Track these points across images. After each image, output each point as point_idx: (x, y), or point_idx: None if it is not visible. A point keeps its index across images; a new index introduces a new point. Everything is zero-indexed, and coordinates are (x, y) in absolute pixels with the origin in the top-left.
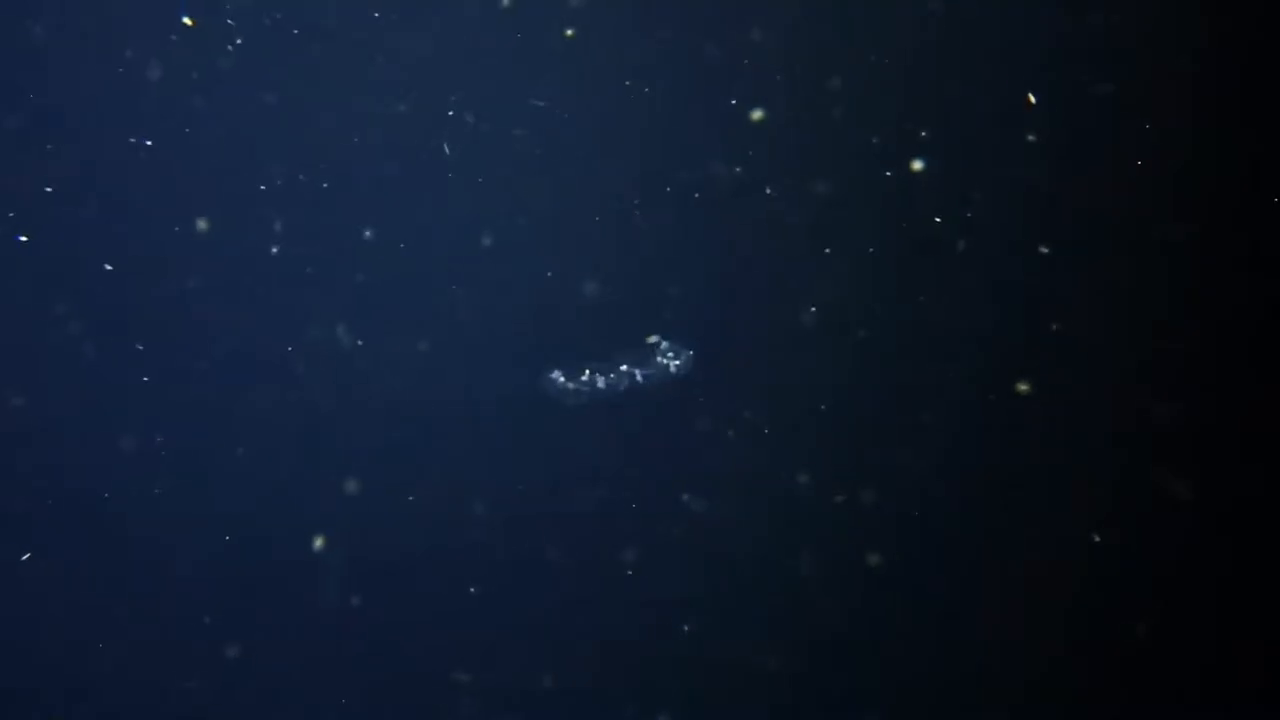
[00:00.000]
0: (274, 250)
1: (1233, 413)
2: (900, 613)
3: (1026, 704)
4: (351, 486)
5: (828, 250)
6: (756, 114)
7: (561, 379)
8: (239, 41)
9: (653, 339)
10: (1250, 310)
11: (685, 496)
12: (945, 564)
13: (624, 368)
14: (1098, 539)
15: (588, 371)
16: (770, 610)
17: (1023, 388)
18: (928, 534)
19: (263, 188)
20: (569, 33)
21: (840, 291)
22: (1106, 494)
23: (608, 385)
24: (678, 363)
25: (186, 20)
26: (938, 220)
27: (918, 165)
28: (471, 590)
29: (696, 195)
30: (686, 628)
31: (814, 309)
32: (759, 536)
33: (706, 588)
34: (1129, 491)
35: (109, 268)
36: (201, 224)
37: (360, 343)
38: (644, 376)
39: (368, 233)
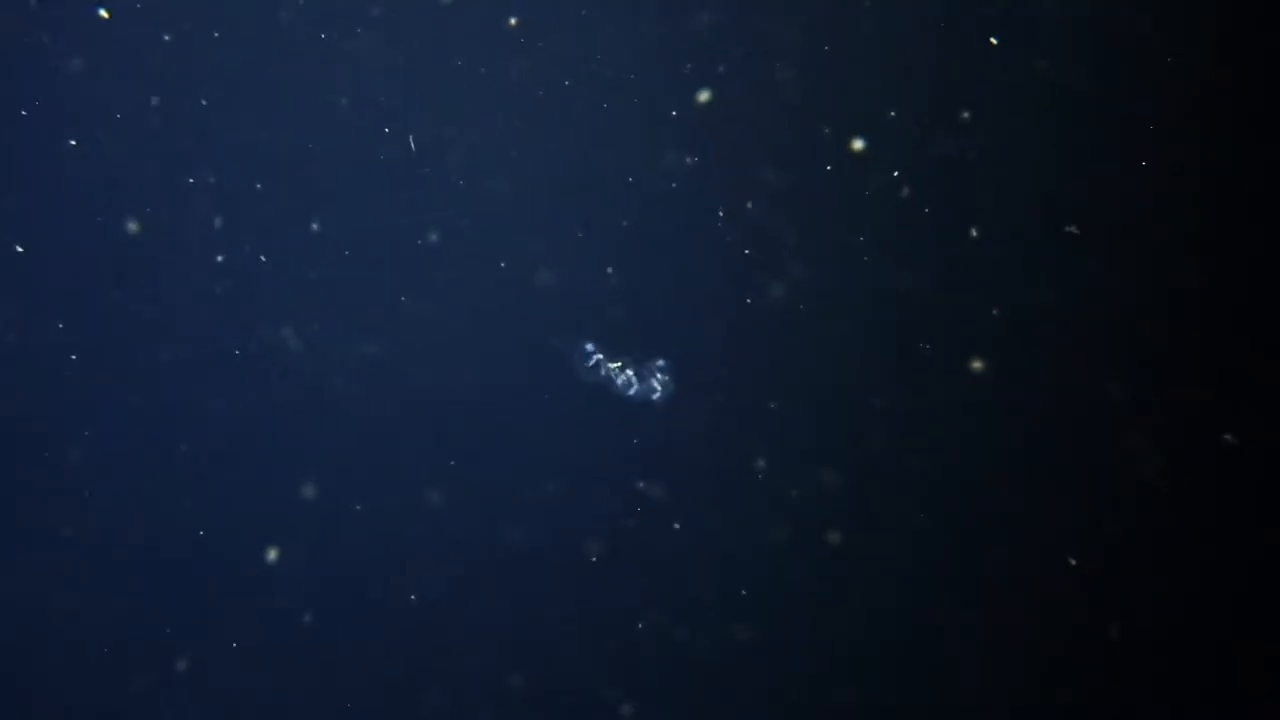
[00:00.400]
0: (217, 244)
1: (1232, 408)
2: (896, 611)
3: (1026, 704)
4: (310, 490)
5: (792, 238)
6: (704, 95)
7: (595, 354)
8: (167, 38)
9: (660, 362)
10: (1248, 305)
11: (642, 484)
12: (940, 563)
13: (630, 373)
14: (1074, 561)
15: (619, 364)
16: (752, 603)
17: (982, 367)
18: (923, 535)
19: (191, 180)
20: (512, 22)
21: (810, 278)
22: (1104, 491)
23: (623, 383)
24: (658, 391)
25: (103, 13)
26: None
27: (858, 145)
28: (445, 588)
29: (673, 185)
30: (667, 623)
31: (784, 296)
32: (735, 527)
33: (687, 582)
34: (1126, 490)
35: (19, 249)
36: (133, 225)
37: (312, 342)
38: (636, 391)
39: (315, 225)
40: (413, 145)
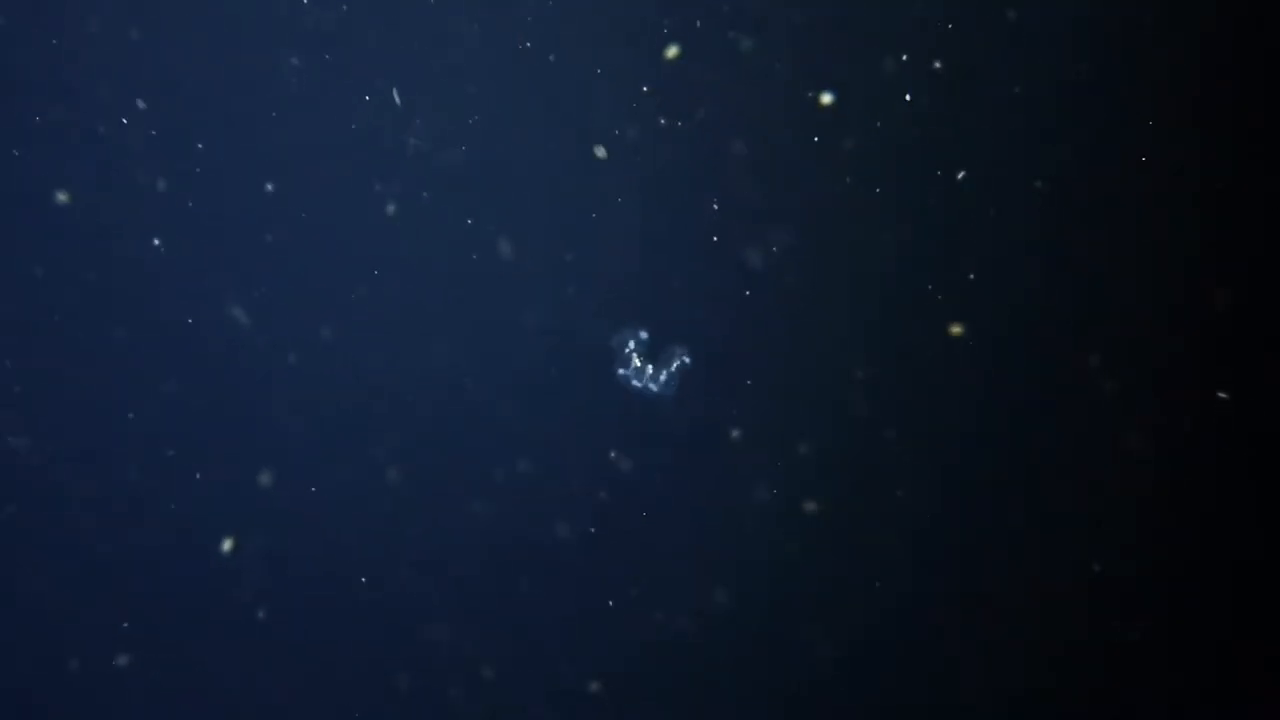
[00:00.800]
0: (158, 211)
1: (1232, 406)
2: (882, 595)
3: (1025, 704)
4: (266, 478)
5: (765, 201)
6: (671, 51)
7: (632, 347)
8: None
9: (683, 355)
10: (1250, 303)
11: (620, 464)
12: (940, 564)
13: (649, 369)
14: (1098, 568)
15: (650, 365)
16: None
17: (958, 330)
18: (922, 534)
19: (129, 125)
20: None
21: (790, 244)
22: (1103, 491)
23: (626, 372)
24: (652, 385)
25: None
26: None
27: (827, 99)
28: (413, 571)
29: (643, 149)
30: (644, 605)
31: (763, 264)
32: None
33: (664, 563)
34: (1126, 490)
35: None
36: (62, 196)
37: (266, 316)
38: (638, 380)
39: (270, 186)
40: (397, 98)
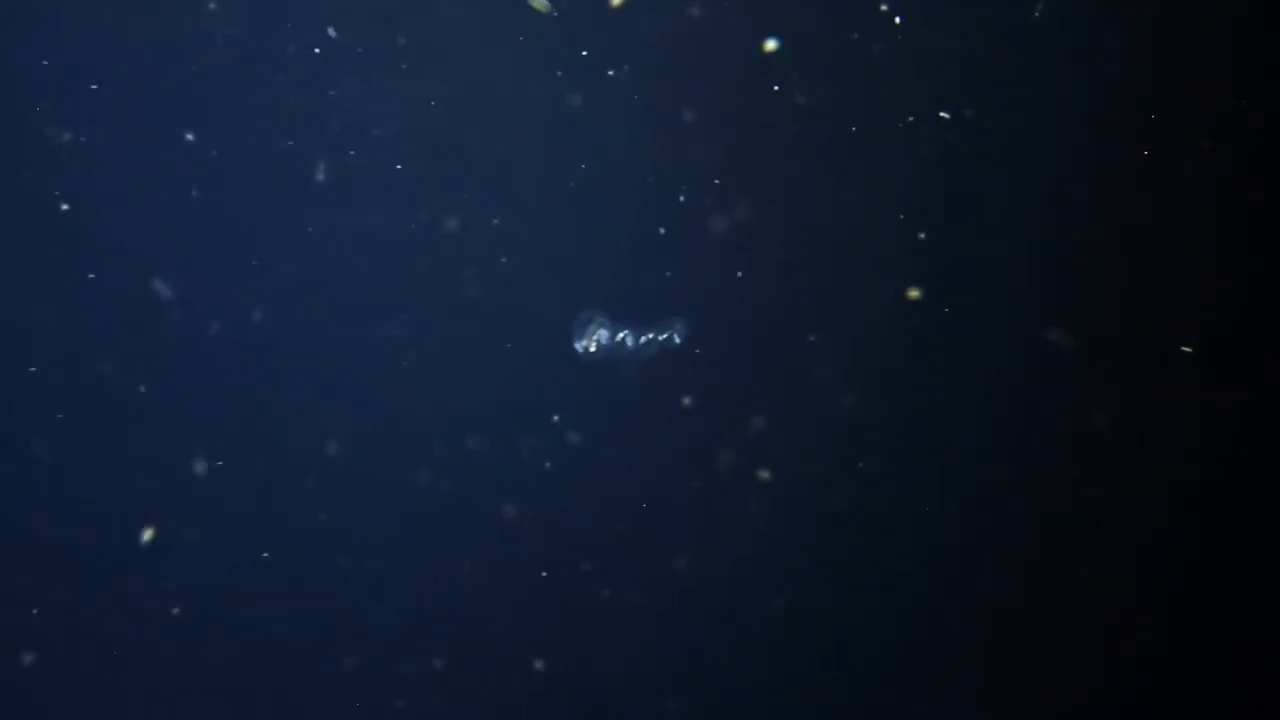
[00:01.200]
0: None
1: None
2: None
3: (1025, 703)
4: (194, 459)
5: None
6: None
7: (592, 324)
8: None
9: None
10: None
11: (556, 418)
12: (939, 562)
13: (636, 339)
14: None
15: (624, 334)
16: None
17: (916, 293)
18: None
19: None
20: None
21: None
22: (1100, 490)
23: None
24: (629, 343)
25: None
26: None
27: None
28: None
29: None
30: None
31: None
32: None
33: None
34: (1125, 489)
35: None
36: None
37: (192, 283)
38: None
39: (190, 136)
40: (332, 33)
